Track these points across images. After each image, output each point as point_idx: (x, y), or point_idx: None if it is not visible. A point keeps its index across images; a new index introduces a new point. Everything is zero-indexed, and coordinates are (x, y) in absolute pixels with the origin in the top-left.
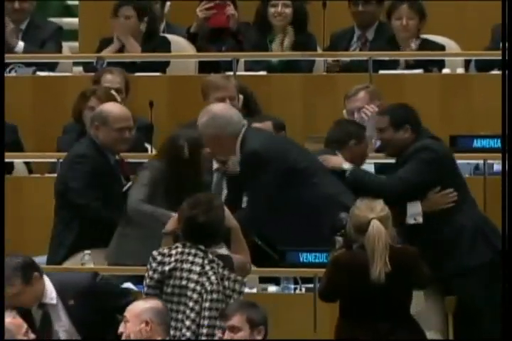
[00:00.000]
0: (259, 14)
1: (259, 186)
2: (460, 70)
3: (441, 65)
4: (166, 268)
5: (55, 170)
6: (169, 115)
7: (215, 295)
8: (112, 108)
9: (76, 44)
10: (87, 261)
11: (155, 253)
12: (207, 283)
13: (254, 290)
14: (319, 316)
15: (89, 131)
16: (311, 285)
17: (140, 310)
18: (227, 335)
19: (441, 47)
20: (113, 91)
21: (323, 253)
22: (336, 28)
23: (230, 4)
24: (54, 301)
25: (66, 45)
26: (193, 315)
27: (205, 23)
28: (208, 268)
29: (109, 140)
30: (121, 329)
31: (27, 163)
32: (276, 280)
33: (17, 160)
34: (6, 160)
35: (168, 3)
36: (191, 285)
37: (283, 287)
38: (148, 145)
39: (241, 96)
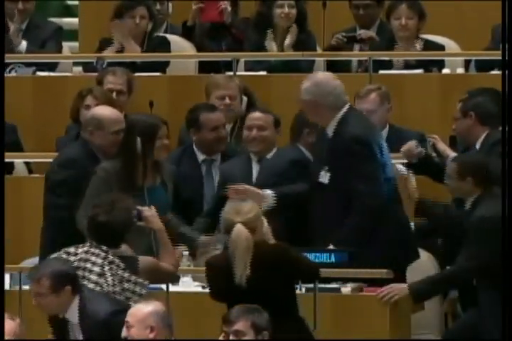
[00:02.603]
0: (260, 14)
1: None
2: (460, 70)
3: (441, 65)
4: None
5: None
6: (169, 115)
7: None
8: (104, 111)
9: (76, 44)
10: None
11: (62, 251)
12: (104, 285)
13: None
14: (319, 316)
15: (83, 135)
16: (311, 285)
17: (144, 314)
18: (232, 339)
19: (441, 48)
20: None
21: (323, 253)
22: (336, 28)
23: None
24: (76, 320)
25: (66, 45)
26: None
27: (199, 17)
28: (106, 269)
29: (106, 144)
30: (124, 334)
31: (27, 163)
32: None
33: (17, 160)
34: (6, 160)
35: (170, 4)
36: (90, 285)
37: None
38: None
39: (245, 98)
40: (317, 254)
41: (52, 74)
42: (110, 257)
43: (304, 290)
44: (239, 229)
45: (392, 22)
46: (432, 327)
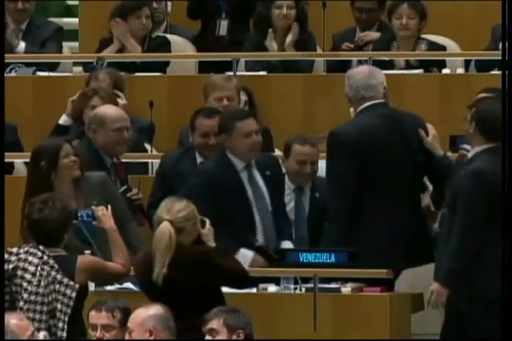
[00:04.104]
0: (259, 15)
1: (332, 171)
2: (460, 70)
3: (441, 65)
4: (10, 266)
5: None
6: (169, 115)
7: (32, 297)
8: (107, 109)
9: (76, 44)
10: None
11: (5, 251)
12: (35, 284)
13: (254, 290)
14: (319, 316)
15: (88, 134)
16: (311, 285)
17: (143, 318)
18: (207, 338)
19: (443, 48)
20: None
21: (323, 253)
22: (336, 28)
23: None
24: None
25: (66, 45)
26: (22, 315)
27: None
28: (39, 268)
29: (108, 141)
30: (126, 339)
31: (27, 163)
32: (276, 280)
33: (17, 160)
34: (6, 160)
35: (169, 4)
36: (24, 284)
37: (283, 287)
38: (148, 146)
39: (244, 98)
40: (317, 254)
41: (52, 74)
42: (45, 257)
43: (304, 290)
44: (163, 227)
45: (393, 21)
46: (432, 327)
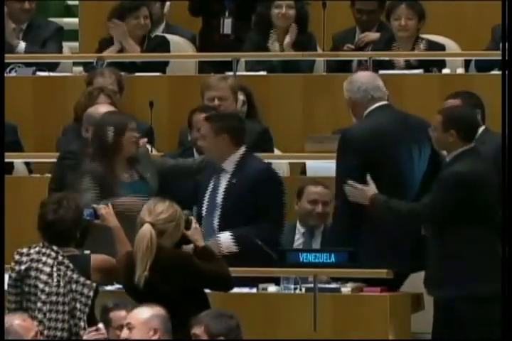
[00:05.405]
0: (259, 15)
1: (340, 169)
2: (460, 70)
3: (441, 65)
4: (22, 267)
5: None
6: (169, 115)
7: (53, 298)
8: (97, 108)
9: (76, 44)
10: None
11: (15, 252)
12: (53, 285)
13: (254, 290)
14: (319, 316)
15: (83, 134)
16: (311, 285)
17: (147, 317)
18: None
19: (442, 47)
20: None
21: (323, 253)
22: (336, 28)
23: None
24: None
25: (66, 45)
26: (40, 316)
27: None
28: (55, 269)
29: None
30: (124, 335)
31: (27, 163)
32: (276, 280)
33: (17, 160)
34: (6, 160)
35: (167, 3)
36: (41, 285)
37: (283, 287)
38: (148, 146)
39: (241, 97)
40: (317, 254)
41: (52, 74)
42: (60, 258)
43: (304, 290)
44: (144, 229)
45: (392, 22)
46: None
